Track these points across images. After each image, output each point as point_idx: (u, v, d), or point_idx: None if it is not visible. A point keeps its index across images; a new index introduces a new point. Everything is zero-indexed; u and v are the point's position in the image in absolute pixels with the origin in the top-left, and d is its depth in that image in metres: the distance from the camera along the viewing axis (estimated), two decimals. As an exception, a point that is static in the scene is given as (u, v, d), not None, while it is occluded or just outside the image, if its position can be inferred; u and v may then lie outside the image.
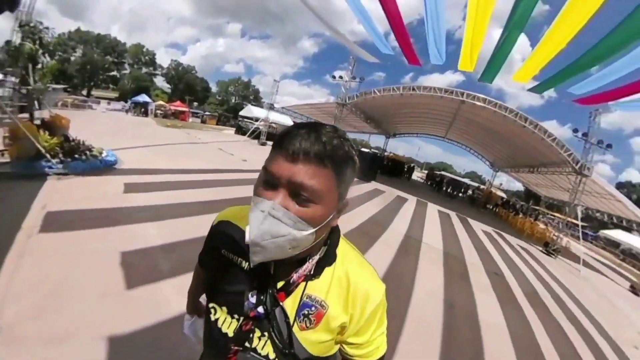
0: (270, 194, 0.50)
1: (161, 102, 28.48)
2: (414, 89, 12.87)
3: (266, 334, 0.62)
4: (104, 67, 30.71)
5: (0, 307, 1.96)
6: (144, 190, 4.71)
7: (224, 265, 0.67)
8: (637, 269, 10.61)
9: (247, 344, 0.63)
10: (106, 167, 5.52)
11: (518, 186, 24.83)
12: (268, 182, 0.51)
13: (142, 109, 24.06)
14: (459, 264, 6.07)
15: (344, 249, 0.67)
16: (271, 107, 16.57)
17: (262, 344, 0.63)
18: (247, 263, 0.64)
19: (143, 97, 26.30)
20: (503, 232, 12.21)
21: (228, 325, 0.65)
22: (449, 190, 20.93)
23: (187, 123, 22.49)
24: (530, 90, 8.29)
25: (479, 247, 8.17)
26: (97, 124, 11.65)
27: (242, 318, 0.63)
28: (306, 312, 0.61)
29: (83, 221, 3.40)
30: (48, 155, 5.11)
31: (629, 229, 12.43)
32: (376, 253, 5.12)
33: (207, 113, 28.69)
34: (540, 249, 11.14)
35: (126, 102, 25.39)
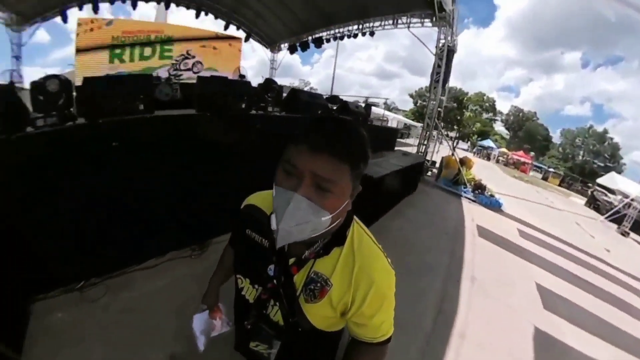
0: (292, 184, 0.55)
1: (504, 150, 29.95)
2: None
3: (278, 303, 0.70)
4: (447, 112, 42.02)
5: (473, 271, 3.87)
6: (532, 241, 5.99)
7: (248, 242, 0.76)
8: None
9: (263, 311, 0.73)
10: (497, 207, 7.79)
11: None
12: (290, 172, 0.56)
13: (486, 152, 27.25)
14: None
15: (356, 231, 0.69)
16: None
17: (275, 312, 0.72)
18: (267, 242, 0.72)
19: (488, 142, 29.63)
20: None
21: (250, 293, 0.75)
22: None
23: (529, 177, 22.18)
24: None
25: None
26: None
27: (261, 288, 0.73)
28: (312, 287, 0.67)
29: (498, 242, 5.24)
30: (467, 184, 8.32)
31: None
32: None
33: (551, 169, 26.12)
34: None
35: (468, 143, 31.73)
